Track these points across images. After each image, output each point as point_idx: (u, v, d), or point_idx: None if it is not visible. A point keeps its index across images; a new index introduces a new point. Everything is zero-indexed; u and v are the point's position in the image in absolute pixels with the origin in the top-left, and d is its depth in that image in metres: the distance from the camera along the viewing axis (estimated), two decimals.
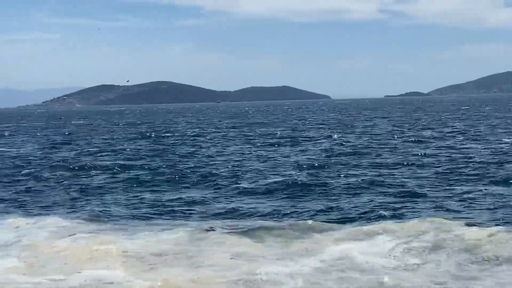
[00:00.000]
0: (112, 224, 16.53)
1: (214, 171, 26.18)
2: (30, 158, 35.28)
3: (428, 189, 20.33)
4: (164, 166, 28.62)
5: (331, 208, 17.75)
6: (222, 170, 26.52)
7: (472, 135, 42.98)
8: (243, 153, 34.65)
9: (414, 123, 64.10)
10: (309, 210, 17.60)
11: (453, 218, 15.71)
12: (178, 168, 27.63)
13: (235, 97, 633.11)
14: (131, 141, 48.33)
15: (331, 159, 29.80)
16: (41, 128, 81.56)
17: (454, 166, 25.57)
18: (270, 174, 24.96)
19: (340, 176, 23.84)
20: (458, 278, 11.17)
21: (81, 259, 12.81)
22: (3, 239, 14.80)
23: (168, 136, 53.37)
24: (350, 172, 25.08)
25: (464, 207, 17.33)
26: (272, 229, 15.12)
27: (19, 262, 12.81)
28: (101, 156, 35.07)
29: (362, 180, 22.26)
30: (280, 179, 23.15)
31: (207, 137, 50.91)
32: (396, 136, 44.38)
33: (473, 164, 25.96)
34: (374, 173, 24.35)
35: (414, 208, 17.35)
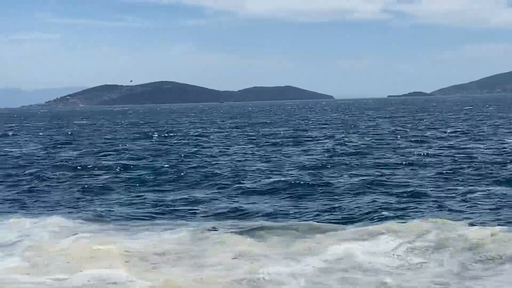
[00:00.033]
0: (114, 224, 16.55)
1: (216, 171, 26.22)
2: (33, 158, 35.35)
3: (431, 189, 20.32)
4: (166, 166, 28.66)
5: (334, 208, 17.76)
6: (225, 170, 26.55)
7: (475, 135, 42.95)
8: (245, 153, 34.67)
9: (417, 123, 64.08)
10: (311, 210, 17.61)
11: (456, 218, 15.71)
12: (181, 168, 27.66)
13: (238, 97, 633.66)
14: (134, 141, 48.41)
15: (333, 159, 29.80)
16: (44, 128, 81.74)
17: (457, 166, 25.55)
18: (272, 174, 24.97)
19: (343, 176, 23.84)
20: (461, 278, 11.17)
21: (83, 259, 12.80)
22: (5, 238, 14.83)
23: (171, 136, 53.44)
24: (353, 172, 25.07)
25: (467, 207, 17.32)
26: (274, 229, 15.12)
27: (22, 261, 12.83)
28: (104, 156, 35.14)
29: (364, 180, 22.27)
30: (283, 179, 23.16)
31: (210, 137, 50.98)
32: (399, 136, 44.38)
33: (475, 164, 25.95)
34: (377, 173, 24.34)
35: (417, 208, 17.35)
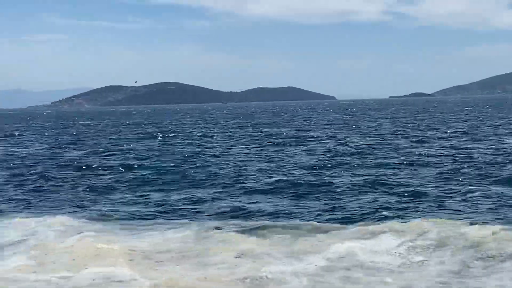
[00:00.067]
0: (119, 223, 16.67)
1: (220, 171, 26.33)
2: (38, 158, 35.50)
3: (432, 188, 20.41)
4: (170, 166, 28.77)
5: (336, 207, 17.87)
6: (228, 170, 26.65)
7: (475, 136, 42.96)
8: (248, 153, 34.78)
9: (418, 124, 64.08)
10: (313, 209, 17.71)
11: (456, 217, 15.81)
12: (184, 168, 27.78)
13: (241, 98, 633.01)
14: (138, 141, 48.53)
15: (335, 159, 29.90)
16: (50, 129, 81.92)
17: (457, 166, 25.63)
18: (275, 174, 25.05)
19: (345, 176, 23.94)
20: (462, 276, 11.27)
21: (88, 257, 12.93)
22: (12, 237, 14.97)
23: (174, 136, 53.56)
24: (355, 172, 25.18)
25: (467, 206, 17.41)
26: (277, 228, 15.22)
27: (28, 260, 12.95)
28: (109, 156, 35.26)
29: (366, 180, 22.36)
30: (285, 178, 23.26)
31: (213, 137, 51.08)
32: (400, 136, 44.42)
33: (476, 164, 26.02)
34: (378, 173, 24.44)
35: (418, 207, 17.46)
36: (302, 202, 19.08)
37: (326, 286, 11.01)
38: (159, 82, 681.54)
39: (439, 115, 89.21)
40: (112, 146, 43.34)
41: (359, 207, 17.75)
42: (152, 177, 25.23)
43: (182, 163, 30.18)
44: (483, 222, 14.94)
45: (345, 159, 29.69)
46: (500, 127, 53.23)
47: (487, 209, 16.91)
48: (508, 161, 26.90)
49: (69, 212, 18.14)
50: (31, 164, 31.61)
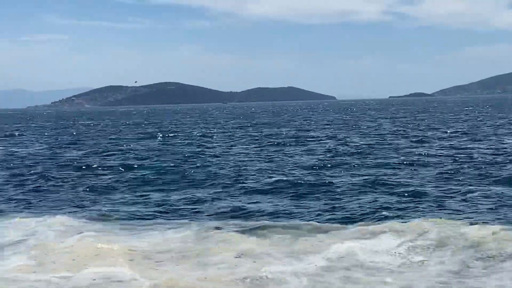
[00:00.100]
0: (119, 223, 16.68)
1: (220, 171, 26.35)
2: (38, 157, 35.52)
3: (432, 188, 20.42)
4: (170, 166, 28.79)
5: (336, 207, 17.88)
6: (228, 170, 26.68)
7: (475, 136, 42.99)
8: (248, 153, 34.80)
9: (418, 124, 64.12)
10: (313, 209, 17.73)
11: (456, 217, 15.82)
12: (184, 168, 27.80)
13: (241, 98, 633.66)
14: (138, 141, 48.56)
15: (335, 159, 29.91)
16: (50, 129, 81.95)
17: (457, 166, 25.65)
18: (275, 174, 25.08)
19: (345, 176, 23.95)
20: (462, 276, 11.29)
21: (88, 257, 12.94)
22: (12, 237, 14.99)
23: (174, 136, 53.59)
24: (355, 172, 25.20)
25: (467, 206, 17.43)
26: (277, 228, 15.23)
27: (28, 260, 12.97)
28: (109, 156, 35.28)
29: (366, 179, 22.38)
30: (285, 178, 23.28)
31: (213, 137, 51.11)
32: (400, 136, 44.44)
33: (476, 164, 26.04)
34: (378, 173, 24.46)
35: (418, 207, 17.47)
36: (302, 202, 19.09)
37: (326, 286, 11.02)
38: (159, 82, 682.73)
39: (439, 115, 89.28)
40: (112, 146, 43.36)
41: (359, 207, 17.77)
42: (152, 177, 25.25)
43: (182, 163, 30.20)
44: (483, 222, 14.95)
45: (345, 159, 29.70)
46: (500, 127, 53.28)
47: (487, 209, 16.93)
48: (508, 161, 26.92)
49: (69, 212, 18.16)
50: (31, 164, 31.62)
